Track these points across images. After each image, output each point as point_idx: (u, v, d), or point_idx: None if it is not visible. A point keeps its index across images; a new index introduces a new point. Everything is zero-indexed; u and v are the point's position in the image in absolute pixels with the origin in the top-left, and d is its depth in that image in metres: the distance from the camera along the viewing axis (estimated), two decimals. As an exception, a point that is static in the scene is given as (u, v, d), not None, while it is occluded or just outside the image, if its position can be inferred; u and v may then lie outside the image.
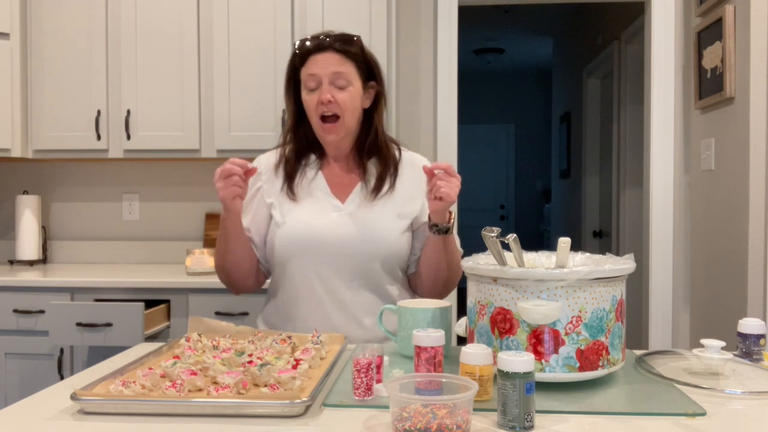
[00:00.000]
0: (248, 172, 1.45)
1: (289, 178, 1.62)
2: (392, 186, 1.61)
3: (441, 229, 1.51)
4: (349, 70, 1.56)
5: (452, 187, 1.43)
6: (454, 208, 1.70)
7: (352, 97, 1.57)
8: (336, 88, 1.55)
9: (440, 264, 1.57)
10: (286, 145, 1.67)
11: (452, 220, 1.52)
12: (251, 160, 1.77)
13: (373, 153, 1.64)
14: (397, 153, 1.67)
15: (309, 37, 1.59)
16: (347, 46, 1.56)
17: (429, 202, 1.47)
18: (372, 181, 1.61)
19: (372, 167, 1.63)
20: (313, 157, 1.66)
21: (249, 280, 1.65)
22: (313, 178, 1.63)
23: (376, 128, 1.64)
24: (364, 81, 1.61)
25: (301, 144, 1.65)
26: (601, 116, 4.75)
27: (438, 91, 3.08)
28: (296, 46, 1.60)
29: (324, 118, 1.56)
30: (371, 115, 1.64)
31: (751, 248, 2.36)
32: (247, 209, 1.64)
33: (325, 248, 1.55)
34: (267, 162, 1.67)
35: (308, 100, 1.57)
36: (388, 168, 1.63)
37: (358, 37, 1.60)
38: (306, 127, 1.63)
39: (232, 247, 1.58)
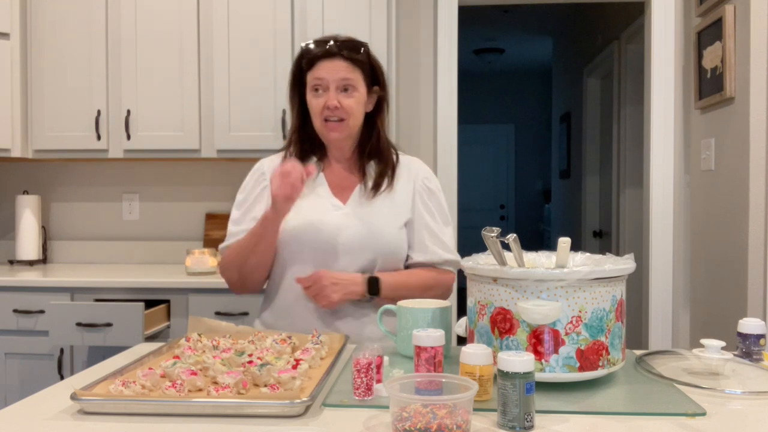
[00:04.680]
0: (308, 175, 1.48)
1: None
2: (390, 185, 1.64)
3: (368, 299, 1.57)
4: (356, 77, 1.59)
5: (323, 295, 1.52)
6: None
7: (357, 103, 1.60)
8: (342, 93, 1.58)
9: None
10: (290, 146, 1.69)
11: (365, 295, 1.56)
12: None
13: (373, 155, 1.67)
14: (394, 157, 1.70)
15: (316, 40, 1.61)
16: (355, 53, 1.59)
17: None
18: (371, 183, 1.64)
19: (371, 170, 1.66)
20: (314, 159, 1.68)
21: (261, 284, 1.68)
22: (315, 178, 1.65)
23: (378, 131, 1.67)
24: (369, 86, 1.63)
25: (305, 144, 1.67)
26: (601, 116, 4.74)
27: (438, 91, 3.08)
28: (303, 49, 1.62)
29: (328, 120, 1.59)
30: (374, 119, 1.67)
31: (751, 248, 2.36)
32: (253, 211, 1.64)
33: (326, 247, 1.57)
34: (271, 164, 1.69)
35: (314, 103, 1.60)
36: (387, 169, 1.66)
37: (366, 45, 1.63)
38: (309, 127, 1.65)
39: (263, 248, 1.58)
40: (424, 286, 1.62)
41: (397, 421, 0.89)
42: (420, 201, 1.65)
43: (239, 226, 1.64)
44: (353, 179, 1.66)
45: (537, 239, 7.82)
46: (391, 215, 1.62)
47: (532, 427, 0.93)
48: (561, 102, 6.23)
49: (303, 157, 1.66)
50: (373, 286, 1.56)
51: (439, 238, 1.65)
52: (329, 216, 1.59)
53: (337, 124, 1.59)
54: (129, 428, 0.95)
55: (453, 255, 1.66)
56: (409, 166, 1.70)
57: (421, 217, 1.65)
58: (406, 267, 1.66)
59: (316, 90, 1.59)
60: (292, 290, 1.60)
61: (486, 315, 1.13)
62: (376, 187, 1.62)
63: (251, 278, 1.63)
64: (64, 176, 3.20)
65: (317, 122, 1.61)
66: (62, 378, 2.50)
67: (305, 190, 1.63)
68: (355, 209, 1.61)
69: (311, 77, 1.59)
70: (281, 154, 1.70)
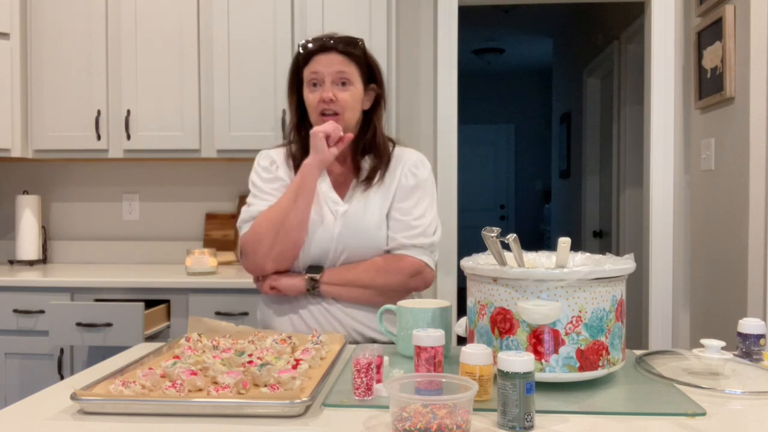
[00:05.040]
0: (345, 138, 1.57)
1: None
2: (382, 179, 1.64)
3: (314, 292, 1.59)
4: (351, 70, 1.60)
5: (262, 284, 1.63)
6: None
7: (353, 97, 1.61)
8: (338, 87, 1.59)
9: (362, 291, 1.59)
10: (291, 144, 1.70)
11: (305, 278, 1.59)
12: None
13: (369, 151, 1.67)
14: (391, 151, 1.70)
15: (313, 38, 1.62)
16: (351, 48, 1.60)
17: None
18: (364, 176, 1.64)
19: (365, 164, 1.66)
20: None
21: (298, 249, 1.58)
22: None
23: (375, 128, 1.67)
24: (365, 83, 1.64)
25: (306, 141, 1.67)
26: (601, 116, 4.74)
27: (438, 91, 3.08)
28: (300, 46, 1.63)
29: (324, 114, 1.60)
30: (371, 117, 1.68)
31: (751, 248, 2.36)
32: (277, 188, 1.64)
33: (325, 242, 1.59)
34: (278, 155, 1.70)
35: (310, 97, 1.61)
36: (381, 163, 1.65)
37: (362, 41, 1.64)
38: (308, 124, 1.66)
39: (303, 202, 1.54)
40: (374, 269, 1.57)
41: (397, 421, 0.89)
42: (398, 189, 1.63)
43: (267, 195, 1.62)
44: (350, 175, 1.67)
45: (537, 239, 7.82)
46: (384, 209, 1.62)
47: (532, 427, 0.93)
48: (561, 102, 6.23)
49: (304, 153, 1.66)
50: (313, 268, 1.59)
51: (404, 223, 1.60)
52: (327, 213, 1.61)
53: (333, 118, 1.59)
54: (129, 428, 0.95)
55: (414, 239, 1.59)
56: (402, 157, 1.68)
57: (392, 207, 1.62)
58: None
59: (313, 84, 1.60)
60: None
61: (486, 315, 1.13)
62: (368, 180, 1.63)
63: (289, 239, 1.55)
64: (64, 176, 3.20)
65: (314, 116, 1.61)
66: (62, 378, 2.50)
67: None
68: (350, 207, 1.61)
69: (307, 72, 1.61)
70: (283, 149, 1.71)
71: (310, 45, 1.61)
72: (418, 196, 1.63)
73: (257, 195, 1.65)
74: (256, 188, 1.66)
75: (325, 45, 1.59)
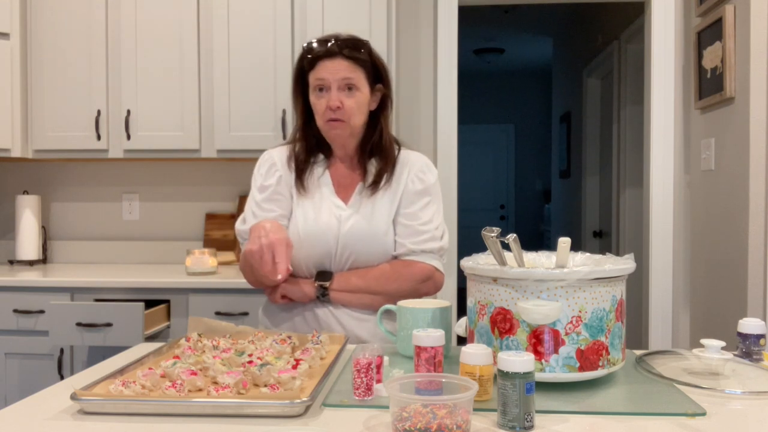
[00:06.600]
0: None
1: (299, 175, 1.65)
2: (389, 182, 1.63)
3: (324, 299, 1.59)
4: (357, 76, 1.58)
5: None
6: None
7: (359, 103, 1.59)
8: (344, 93, 1.57)
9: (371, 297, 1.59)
10: (295, 142, 1.69)
11: (314, 283, 1.59)
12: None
13: (375, 153, 1.66)
14: (396, 153, 1.69)
15: (317, 39, 1.60)
16: (356, 52, 1.58)
17: None
18: (370, 179, 1.64)
19: (372, 167, 1.66)
20: (321, 156, 1.68)
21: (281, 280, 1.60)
22: (321, 176, 1.66)
23: (381, 129, 1.66)
24: (372, 85, 1.63)
25: (311, 142, 1.67)
26: (601, 116, 4.74)
27: (438, 91, 3.08)
28: (305, 49, 1.62)
29: (331, 120, 1.59)
30: (377, 117, 1.67)
31: (751, 248, 2.36)
32: (273, 201, 1.63)
33: (326, 246, 1.58)
34: (280, 156, 1.69)
35: (317, 103, 1.60)
36: (387, 166, 1.64)
37: (367, 42, 1.62)
38: (314, 126, 1.65)
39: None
40: (384, 276, 1.58)
41: (397, 421, 0.89)
42: (405, 194, 1.63)
43: (263, 212, 1.62)
44: (355, 177, 1.66)
45: (537, 239, 7.82)
46: (391, 214, 1.61)
47: (532, 427, 0.93)
48: (561, 102, 6.23)
49: (308, 153, 1.67)
50: (323, 274, 1.59)
51: (412, 229, 1.60)
52: (330, 217, 1.60)
53: (339, 123, 1.59)
54: (129, 428, 0.95)
55: (422, 244, 1.59)
56: (408, 161, 1.68)
57: (398, 212, 1.62)
58: None
59: (319, 90, 1.58)
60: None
61: (486, 315, 1.13)
62: (374, 184, 1.62)
63: (265, 281, 1.60)
64: (64, 176, 3.20)
65: (320, 122, 1.61)
66: (62, 378, 2.50)
67: (311, 188, 1.64)
68: (355, 210, 1.61)
69: (313, 77, 1.59)
70: (287, 147, 1.70)
71: (314, 45, 1.59)
72: (425, 201, 1.63)
73: (252, 208, 1.65)
74: (251, 199, 1.66)
75: (330, 50, 1.57)
